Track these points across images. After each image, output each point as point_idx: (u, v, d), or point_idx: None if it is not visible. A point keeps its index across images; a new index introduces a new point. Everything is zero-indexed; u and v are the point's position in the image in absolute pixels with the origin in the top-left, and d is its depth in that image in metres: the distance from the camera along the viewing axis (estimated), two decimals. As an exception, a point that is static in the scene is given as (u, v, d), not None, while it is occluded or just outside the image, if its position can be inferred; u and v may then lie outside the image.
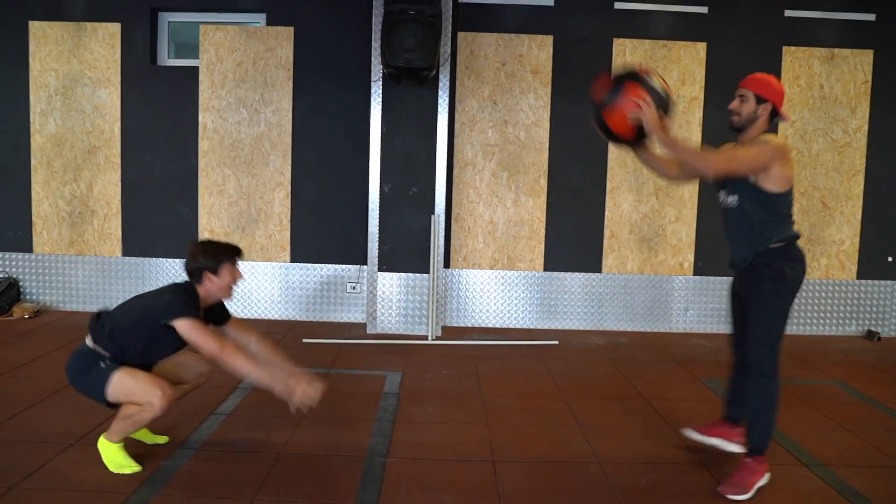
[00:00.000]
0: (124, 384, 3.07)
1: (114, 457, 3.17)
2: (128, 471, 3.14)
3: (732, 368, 3.59)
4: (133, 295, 3.42)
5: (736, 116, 3.22)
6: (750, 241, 3.22)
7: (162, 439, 3.55)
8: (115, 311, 3.24)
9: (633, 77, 3.18)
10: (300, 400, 3.10)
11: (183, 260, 3.30)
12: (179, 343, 3.21)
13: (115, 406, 3.16)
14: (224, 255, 3.26)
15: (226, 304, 3.46)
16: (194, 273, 3.24)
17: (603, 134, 3.33)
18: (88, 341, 3.18)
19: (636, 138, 3.25)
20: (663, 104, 3.16)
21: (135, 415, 3.10)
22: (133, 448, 3.30)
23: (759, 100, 3.17)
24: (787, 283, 3.17)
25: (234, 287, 3.33)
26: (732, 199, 3.26)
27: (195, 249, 3.27)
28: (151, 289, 3.35)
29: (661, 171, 3.51)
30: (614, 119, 3.20)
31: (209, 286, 3.24)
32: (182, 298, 3.14)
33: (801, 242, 3.26)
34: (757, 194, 3.14)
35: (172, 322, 3.06)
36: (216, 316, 3.42)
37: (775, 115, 3.24)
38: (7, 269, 6.53)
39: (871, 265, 6.57)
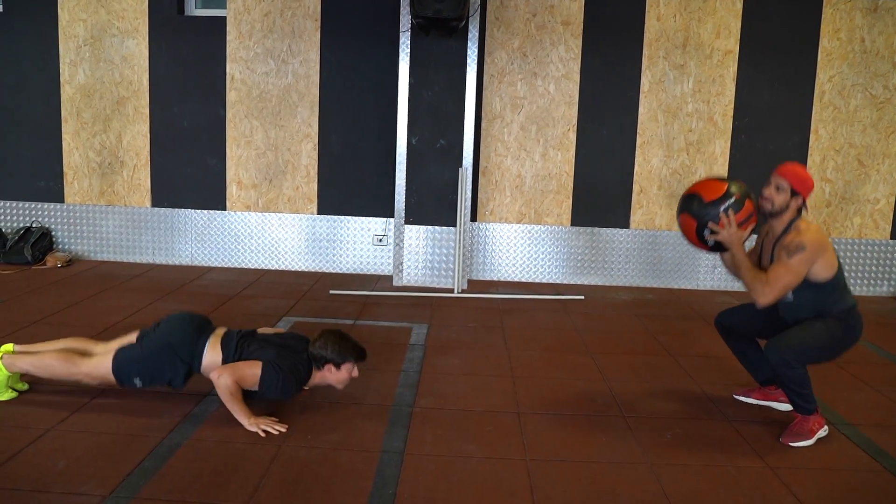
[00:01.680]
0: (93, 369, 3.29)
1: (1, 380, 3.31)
2: (4, 398, 3.29)
3: (738, 350, 3.73)
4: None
5: (768, 204, 3.30)
6: (808, 311, 3.31)
7: (22, 386, 3.51)
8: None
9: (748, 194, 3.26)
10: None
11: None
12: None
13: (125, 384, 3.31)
14: (352, 355, 3.35)
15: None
16: (318, 359, 3.33)
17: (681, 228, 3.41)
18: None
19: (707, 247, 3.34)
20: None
21: (55, 368, 3.28)
22: (158, 396, 3.36)
23: (794, 193, 3.26)
24: (846, 328, 3.28)
25: (346, 384, 3.42)
26: (788, 295, 3.29)
27: (328, 339, 3.34)
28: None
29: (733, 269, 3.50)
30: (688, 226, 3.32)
31: (327, 375, 3.35)
32: (288, 379, 3.23)
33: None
34: (808, 286, 3.21)
35: (258, 364, 3.21)
36: None
37: (802, 206, 3.33)
38: (40, 219, 6.63)
39: (905, 225, 6.44)
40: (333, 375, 3.35)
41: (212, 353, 3.30)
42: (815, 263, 3.16)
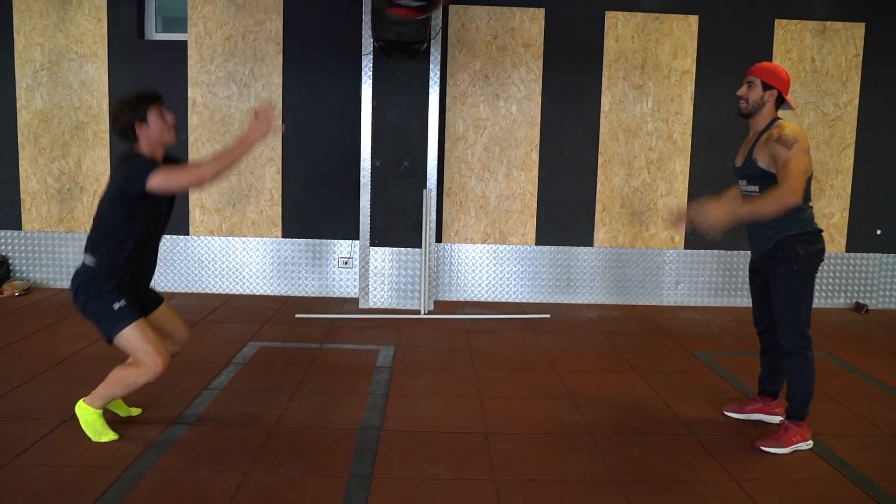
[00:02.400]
0: (134, 339, 3.08)
1: (94, 423, 3.18)
2: (105, 439, 3.16)
3: (761, 343, 3.73)
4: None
5: (743, 102, 3.35)
6: (770, 229, 3.31)
7: (136, 411, 3.55)
8: (94, 222, 3.19)
9: None
10: (267, 125, 3.10)
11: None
12: (165, 206, 3.24)
13: (111, 343, 3.15)
14: (143, 101, 3.14)
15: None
16: (126, 132, 3.13)
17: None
18: (88, 259, 3.15)
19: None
20: None
21: (128, 378, 3.12)
22: (126, 424, 3.32)
23: (766, 86, 3.30)
24: (802, 265, 3.29)
25: (171, 129, 3.21)
26: (753, 188, 3.35)
27: (117, 108, 3.15)
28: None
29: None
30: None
31: (146, 139, 3.14)
32: (136, 161, 3.06)
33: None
34: (775, 183, 3.18)
35: (145, 185, 2.98)
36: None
37: (781, 102, 3.35)
38: (-4, 247, 6.50)
39: (860, 238, 6.61)
40: (149, 131, 3.12)
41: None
42: (800, 155, 3.12)
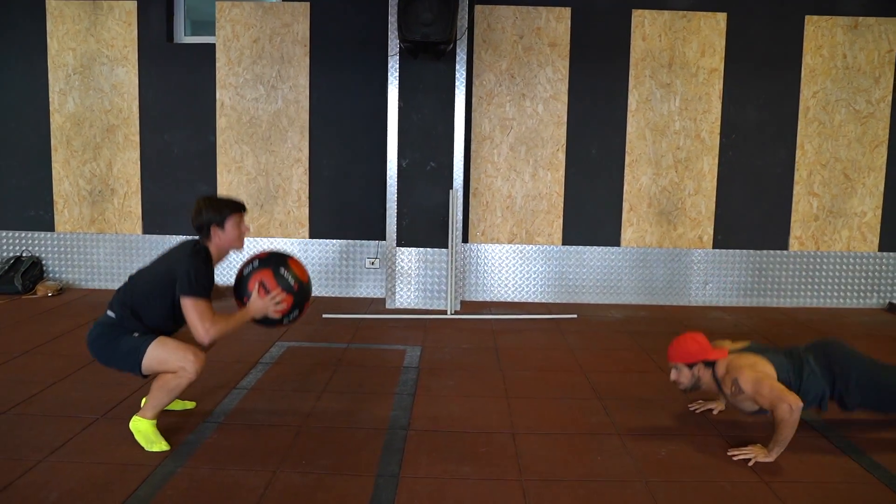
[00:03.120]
0: (158, 354, 3.13)
1: (147, 433, 3.20)
2: (157, 448, 3.18)
3: None
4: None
5: (682, 386, 3.46)
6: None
7: (190, 405, 3.66)
8: (136, 284, 3.28)
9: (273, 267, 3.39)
10: (267, 304, 3.28)
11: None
12: None
13: (147, 376, 3.23)
14: (228, 208, 3.30)
15: None
16: (202, 229, 3.28)
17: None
18: (111, 313, 3.23)
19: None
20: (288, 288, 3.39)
21: (170, 383, 3.15)
22: (161, 420, 3.36)
23: (690, 366, 3.40)
24: None
25: (243, 239, 3.39)
26: (762, 412, 3.36)
27: (200, 206, 3.28)
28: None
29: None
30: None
31: (218, 241, 3.30)
32: (198, 273, 3.15)
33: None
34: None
35: (181, 297, 3.11)
36: None
37: (713, 363, 3.42)
38: (30, 248, 6.62)
39: (893, 237, 6.49)
40: (224, 237, 3.29)
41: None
42: (762, 381, 3.20)
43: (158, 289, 3.20)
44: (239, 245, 3.38)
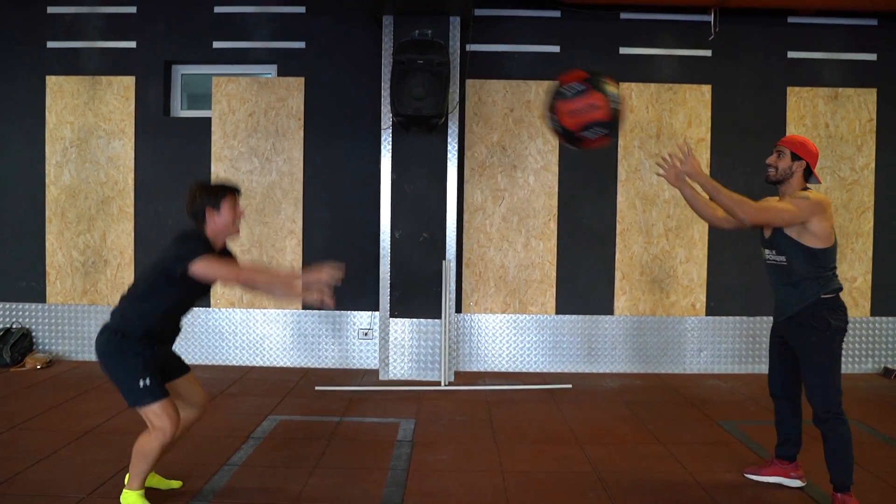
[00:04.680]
0: (152, 412, 3.12)
1: (135, 502, 3.16)
2: None
3: (775, 407, 3.79)
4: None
5: (772, 169, 3.48)
6: (797, 295, 3.41)
7: (176, 484, 3.57)
8: (135, 282, 3.34)
9: (601, 87, 3.35)
10: (328, 280, 3.26)
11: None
12: (200, 289, 3.29)
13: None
14: (222, 190, 3.31)
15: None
16: (198, 214, 3.28)
17: (550, 117, 3.49)
18: (114, 314, 3.24)
19: (572, 135, 3.40)
20: (616, 118, 3.35)
21: (145, 447, 3.13)
22: (148, 497, 3.28)
23: (795, 157, 3.42)
24: (833, 332, 3.35)
25: (239, 222, 3.38)
26: (780, 258, 3.45)
27: (195, 191, 3.30)
28: None
29: (704, 214, 3.70)
30: (564, 109, 3.39)
31: (214, 225, 3.29)
32: (189, 244, 3.17)
33: None
34: (803, 252, 3.35)
35: (188, 268, 3.09)
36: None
37: (809, 175, 3.47)
38: (20, 320, 6.57)
39: (884, 302, 6.52)
40: (220, 219, 3.27)
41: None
42: (810, 222, 3.26)
43: (153, 283, 3.22)
44: (235, 229, 3.36)
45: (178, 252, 3.15)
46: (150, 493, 3.32)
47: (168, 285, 3.19)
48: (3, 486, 3.53)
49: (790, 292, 3.43)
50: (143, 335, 3.20)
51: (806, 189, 3.45)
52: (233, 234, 3.40)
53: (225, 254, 3.47)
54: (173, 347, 3.51)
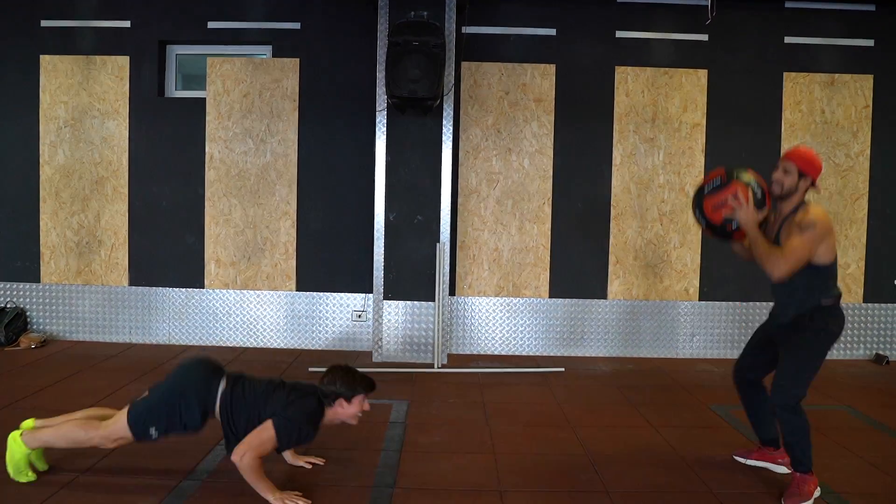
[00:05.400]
0: (117, 424, 3.24)
1: (20, 460, 3.25)
2: (23, 479, 3.24)
3: (741, 395, 3.81)
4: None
5: (777, 186, 3.44)
6: (796, 302, 3.43)
7: (44, 466, 3.52)
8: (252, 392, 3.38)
9: (739, 177, 3.45)
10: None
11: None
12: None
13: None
14: (361, 387, 3.36)
15: None
16: (329, 395, 3.33)
17: (698, 216, 3.60)
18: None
19: (722, 229, 3.53)
20: (759, 204, 3.43)
21: (78, 436, 3.25)
22: (160, 462, 3.30)
23: (801, 175, 3.40)
24: (827, 335, 3.39)
25: (359, 417, 3.43)
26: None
27: (336, 374, 3.36)
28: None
29: (745, 255, 3.75)
30: (709, 205, 3.51)
31: (339, 412, 3.35)
32: (301, 431, 3.25)
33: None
34: (807, 268, 3.33)
35: (269, 420, 3.20)
36: None
37: (811, 187, 3.48)
38: (14, 299, 6.56)
39: (877, 288, 6.56)
40: (345, 410, 3.34)
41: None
42: (821, 244, 3.28)
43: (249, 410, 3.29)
44: (354, 422, 3.42)
45: (292, 424, 3.22)
46: (164, 458, 3.48)
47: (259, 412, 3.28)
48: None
49: (790, 302, 3.46)
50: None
51: (804, 203, 3.43)
52: (349, 424, 3.44)
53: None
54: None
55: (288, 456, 3.60)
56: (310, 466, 3.58)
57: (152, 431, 3.22)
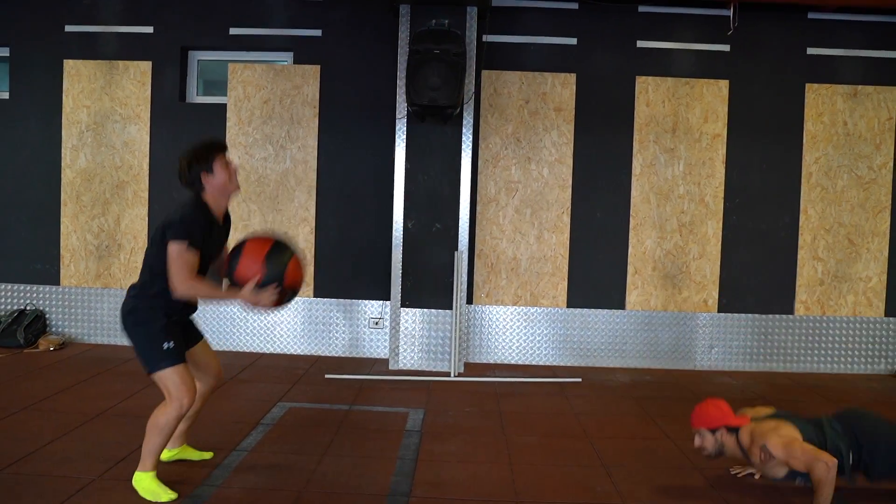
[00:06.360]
0: (171, 379, 3.15)
1: (149, 486, 3.18)
2: (164, 498, 3.15)
3: None
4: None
5: (706, 452, 3.52)
6: None
7: (208, 455, 3.67)
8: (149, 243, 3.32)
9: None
10: (261, 306, 3.22)
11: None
12: (212, 249, 3.31)
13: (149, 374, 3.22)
14: (210, 152, 3.26)
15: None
16: (194, 182, 3.25)
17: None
18: (138, 291, 3.27)
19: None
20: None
21: (160, 420, 3.15)
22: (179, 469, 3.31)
23: (713, 431, 3.48)
24: None
25: (235, 178, 3.33)
26: (800, 481, 3.41)
27: (183, 161, 3.26)
28: None
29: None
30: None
31: (212, 188, 3.26)
32: (185, 222, 3.14)
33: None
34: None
35: (168, 243, 3.10)
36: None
37: (734, 430, 3.49)
38: (34, 302, 6.62)
39: (899, 303, 6.48)
40: (214, 180, 3.24)
41: None
42: (793, 444, 3.25)
43: (153, 246, 3.22)
44: (234, 186, 3.33)
45: (170, 226, 3.14)
46: (181, 464, 3.44)
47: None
48: (16, 466, 3.56)
49: None
50: (166, 312, 3.22)
51: (739, 441, 3.44)
52: (233, 192, 3.36)
53: (226, 222, 3.46)
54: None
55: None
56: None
57: (165, 346, 3.18)
